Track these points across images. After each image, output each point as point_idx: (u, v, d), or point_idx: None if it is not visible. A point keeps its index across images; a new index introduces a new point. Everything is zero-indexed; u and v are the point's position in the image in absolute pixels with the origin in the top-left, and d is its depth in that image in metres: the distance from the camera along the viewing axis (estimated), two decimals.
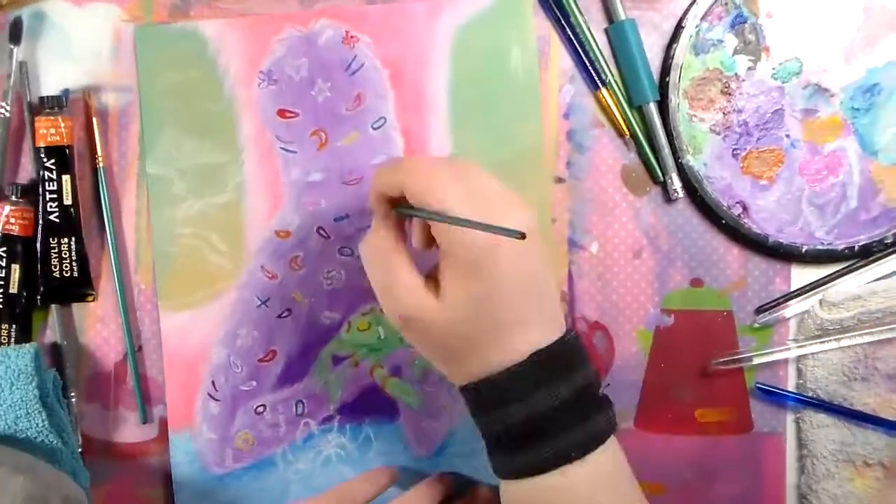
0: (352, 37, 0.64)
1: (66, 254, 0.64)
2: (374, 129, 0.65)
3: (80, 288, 0.65)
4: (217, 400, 0.65)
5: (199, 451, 0.65)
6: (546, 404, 0.49)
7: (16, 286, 0.63)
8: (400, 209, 0.52)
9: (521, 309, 0.50)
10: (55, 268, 0.64)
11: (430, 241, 0.52)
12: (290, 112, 0.64)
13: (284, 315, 0.65)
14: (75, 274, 0.64)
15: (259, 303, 0.65)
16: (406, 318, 0.51)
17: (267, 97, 0.64)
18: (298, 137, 0.65)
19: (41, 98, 0.63)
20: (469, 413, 0.53)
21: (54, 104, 0.63)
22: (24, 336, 0.64)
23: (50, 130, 0.62)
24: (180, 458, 0.65)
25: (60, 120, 0.62)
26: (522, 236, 0.44)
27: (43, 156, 0.63)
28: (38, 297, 0.64)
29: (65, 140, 0.63)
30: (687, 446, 0.65)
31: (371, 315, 0.65)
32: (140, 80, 0.64)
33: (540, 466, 0.50)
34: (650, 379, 0.66)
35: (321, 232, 0.65)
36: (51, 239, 0.64)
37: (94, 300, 0.65)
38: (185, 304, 0.65)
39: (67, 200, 0.63)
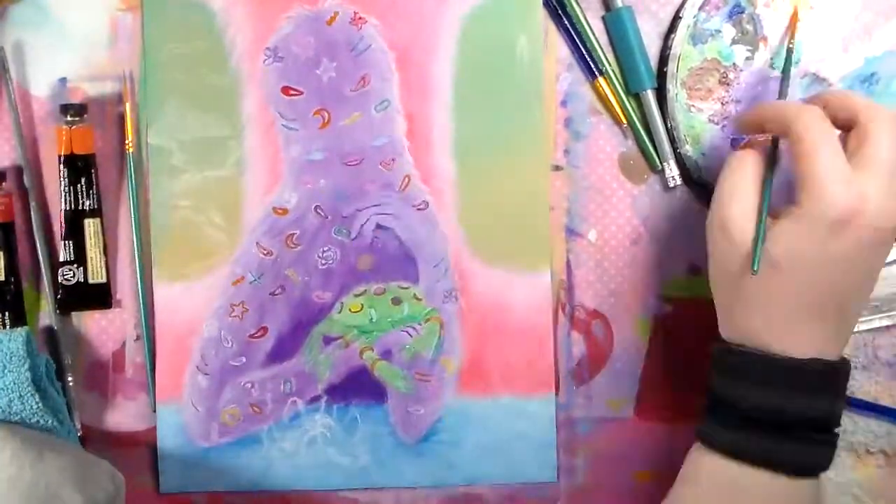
0: (360, 18, 0.64)
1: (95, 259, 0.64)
2: (377, 111, 0.64)
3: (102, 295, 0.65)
4: (206, 374, 0.65)
5: (186, 423, 0.65)
6: (816, 412, 0.50)
7: (3, 274, 0.63)
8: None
9: (857, 291, 0.50)
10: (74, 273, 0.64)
11: None
12: (295, 90, 0.65)
13: (277, 292, 0.65)
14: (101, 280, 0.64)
15: (253, 279, 0.65)
16: (850, 208, 0.47)
17: (272, 73, 0.65)
18: (301, 115, 0.65)
19: (63, 105, 0.63)
20: (712, 371, 0.53)
21: (77, 112, 0.63)
22: (18, 324, 0.63)
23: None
24: (166, 429, 0.65)
25: None
26: None
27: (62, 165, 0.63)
28: (57, 305, 0.64)
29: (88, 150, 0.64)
30: (687, 435, 0.64)
31: (364, 297, 0.65)
32: (145, 48, 0.64)
33: (772, 463, 0.50)
34: (650, 367, 0.65)
35: (319, 211, 0.65)
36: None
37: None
38: (178, 275, 0.65)
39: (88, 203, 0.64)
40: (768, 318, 0.50)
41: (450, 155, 0.64)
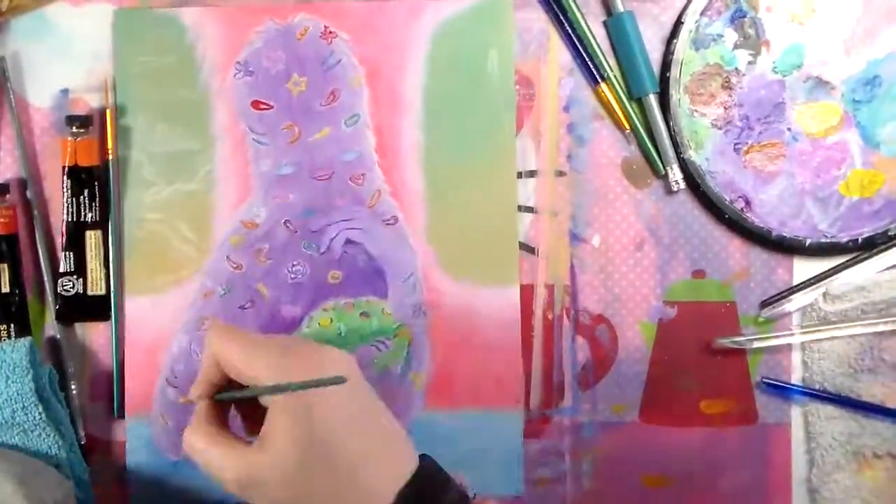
0: (330, 32, 0.65)
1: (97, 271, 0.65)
2: (347, 125, 0.65)
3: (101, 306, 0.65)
4: (175, 387, 0.65)
5: (155, 436, 0.65)
6: None
7: (8, 285, 0.63)
8: (220, 395, 0.52)
9: (363, 443, 0.50)
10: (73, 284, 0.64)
11: (253, 426, 0.52)
12: (265, 104, 0.65)
13: (247, 306, 0.65)
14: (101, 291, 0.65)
15: (222, 292, 0.65)
16: (242, 482, 0.49)
17: (242, 88, 0.65)
18: (271, 130, 0.65)
19: (68, 117, 0.63)
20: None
21: (83, 124, 0.63)
22: (23, 335, 0.64)
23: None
24: (136, 443, 0.65)
25: None
26: (343, 380, 0.46)
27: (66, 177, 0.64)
28: (55, 315, 0.64)
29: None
30: (692, 438, 0.65)
31: (333, 311, 0.65)
32: (116, 62, 0.64)
33: None
34: (654, 371, 0.65)
35: (288, 225, 0.65)
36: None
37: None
38: (148, 288, 0.65)
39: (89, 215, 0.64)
40: (336, 499, 0.49)
41: (419, 170, 0.65)
